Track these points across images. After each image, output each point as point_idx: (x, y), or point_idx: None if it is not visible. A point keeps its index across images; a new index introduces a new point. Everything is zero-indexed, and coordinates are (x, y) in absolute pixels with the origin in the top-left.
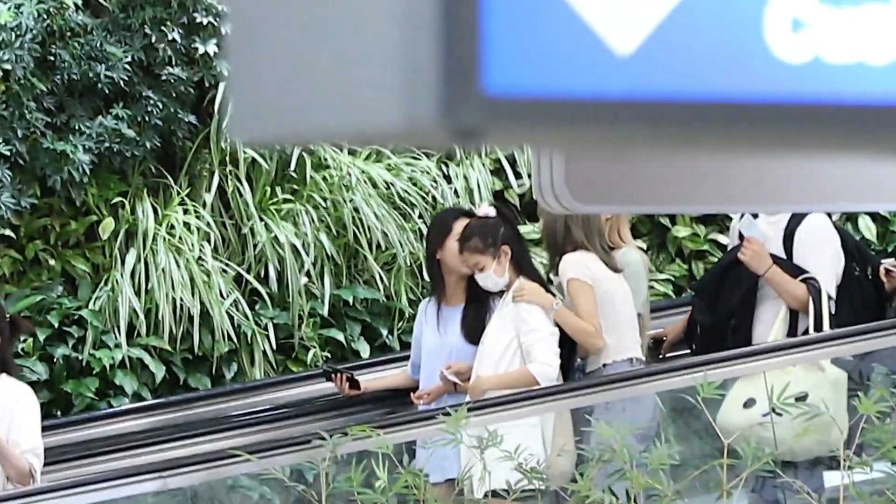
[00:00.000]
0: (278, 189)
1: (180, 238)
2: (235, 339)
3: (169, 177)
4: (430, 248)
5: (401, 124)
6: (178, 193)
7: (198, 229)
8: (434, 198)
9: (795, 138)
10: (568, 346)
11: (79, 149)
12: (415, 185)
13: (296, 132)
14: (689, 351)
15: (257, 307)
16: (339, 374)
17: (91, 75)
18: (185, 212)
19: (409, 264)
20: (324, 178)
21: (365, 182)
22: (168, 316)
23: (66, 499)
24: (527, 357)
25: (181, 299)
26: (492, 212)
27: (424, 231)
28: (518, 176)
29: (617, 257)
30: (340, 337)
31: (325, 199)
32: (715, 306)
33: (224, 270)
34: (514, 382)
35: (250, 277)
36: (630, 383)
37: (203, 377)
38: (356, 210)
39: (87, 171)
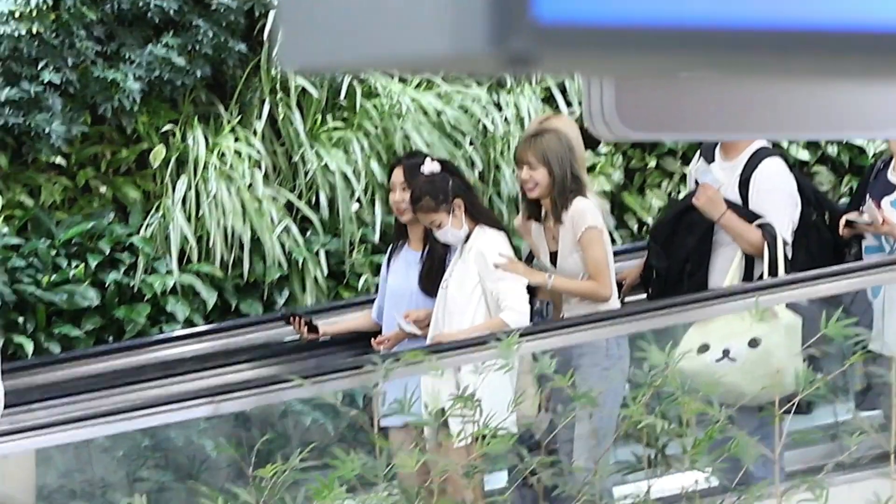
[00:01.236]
0: (329, 117)
1: (231, 166)
2: (287, 266)
3: (220, 105)
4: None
5: (452, 52)
6: (229, 121)
7: (249, 157)
8: (484, 126)
9: (845, 64)
10: (529, 290)
11: (129, 77)
12: (465, 112)
13: (346, 60)
14: (644, 296)
15: (308, 234)
16: (297, 319)
17: (141, 4)
18: (236, 140)
19: None
20: (374, 107)
21: (415, 110)
22: (219, 243)
23: (119, 423)
24: (497, 305)
25: (232, 226)
26: (436, 167)
27: (475, 159)
28: (569, 103)
29: None
30: None
31: (375, 127)
32: (670, 252)
33: (275, 198)
34: (487, 332)
35: (301, 205)
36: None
37: (255, 303)
38: (407, 138)
39: (138, 100)
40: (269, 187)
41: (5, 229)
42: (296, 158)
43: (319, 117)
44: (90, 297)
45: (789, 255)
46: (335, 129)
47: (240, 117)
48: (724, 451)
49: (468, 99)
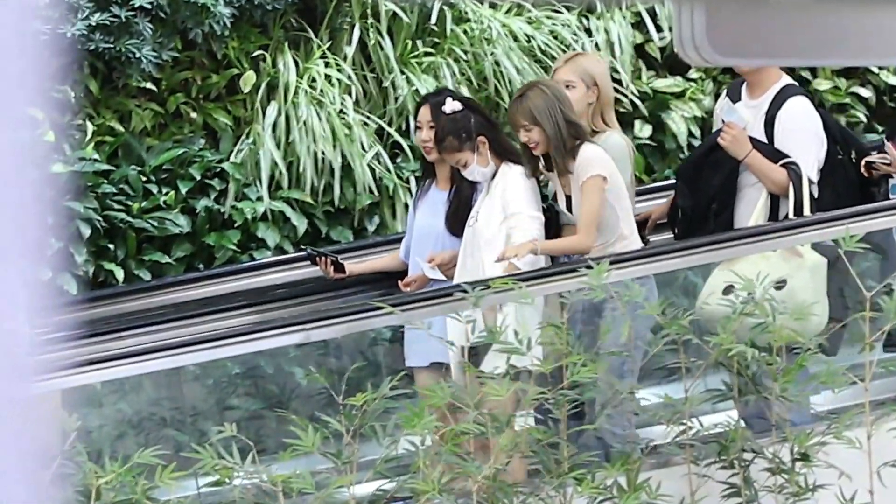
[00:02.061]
0: (419, 42)
1: (321, 91)
2: (377, 192)
3: (310, 30)
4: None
5: None
6: (319, 47)
7: (339, 82)
8: (575, 51)
9: None
10: (553, 228)
11: (219, 2)
12: (555, 38)
13: None
14: (671, 235)
15: (399, 160)
16: (323, 258)
17: None
18: (327, 65)
19: None
20: (464, 32)
21: (506, 35)
22: (310, 169)
23: (211, 351)
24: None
25: (323, 152)
26: (458, 105)
27: None
28: (659, 29)
29: (600, 142)
30: None
31: (465, 53)
32: (695, 191)
33: (365, 123)
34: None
35: (392, 130)
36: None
37: (345, 230)
38: (497, 63)
39: (228, 24)
40: (359, 113)
41: (95, 155)
42: (386, 84)
43: (410, 43)
44: (181, 223)
45: (815, 194)
46: (425, 54)
47: (330, 42)
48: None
49: (558, 24)
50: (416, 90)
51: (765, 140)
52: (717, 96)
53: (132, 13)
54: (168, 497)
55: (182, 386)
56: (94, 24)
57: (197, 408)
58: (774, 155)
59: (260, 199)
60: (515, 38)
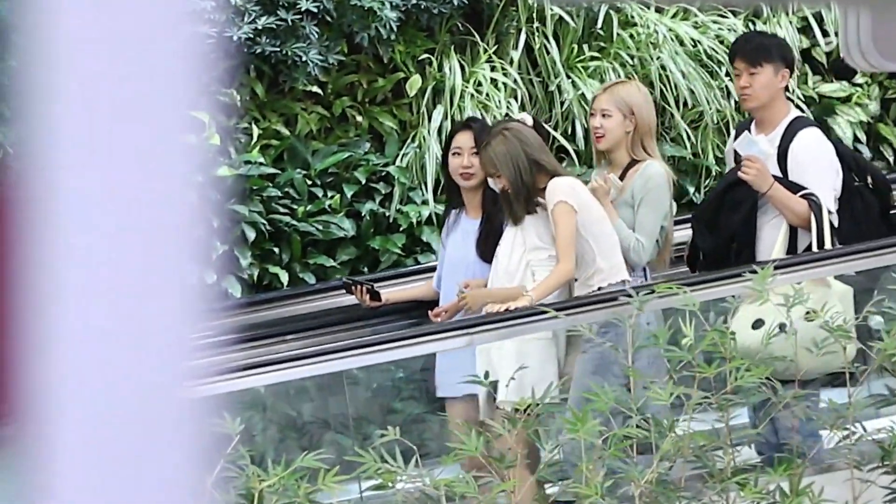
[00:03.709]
0: (585, 46)
1: (487, 95)
2: None
3: (476, 34)
4: (443, 161)
5: None
6: (486, 51)
7: (505, 86)
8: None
9: None
10: None
11: (386, 6)
12: (721, 42)
13: None
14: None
15: (564, 164)
16: (358, 286)
17: None
18: (493, 69)
19: (715, 122)
20: (631, 36)
21: (672, 40)
22: None
23: (377, 354)
24: (532, 275)
25: None
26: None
27: (731, 89)
28: (825, 34)
29: (639, 171)
30: None
31: (631, 57)
32: (715, 231)
33: None
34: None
35: (557, 135)
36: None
37: None
38: (663, 68)
39: (395, 28)
40: None
41: (261, 159)
42: (552, 88)
43: (576, 47)
44: (346, 227)
45: (835, 224)
46: (591, 58)
47: (496, 46)
48: None
49: (724, 29)
50: (582, 94)
51: (779, 174)
52: (882, 101)
53: (298, 17)
54: (331, 500)
55: (345, 389)
56: (260, 27)
57: (360, 411)
58: (792, 187)
59: (425, 202)
60: (682, 43)
